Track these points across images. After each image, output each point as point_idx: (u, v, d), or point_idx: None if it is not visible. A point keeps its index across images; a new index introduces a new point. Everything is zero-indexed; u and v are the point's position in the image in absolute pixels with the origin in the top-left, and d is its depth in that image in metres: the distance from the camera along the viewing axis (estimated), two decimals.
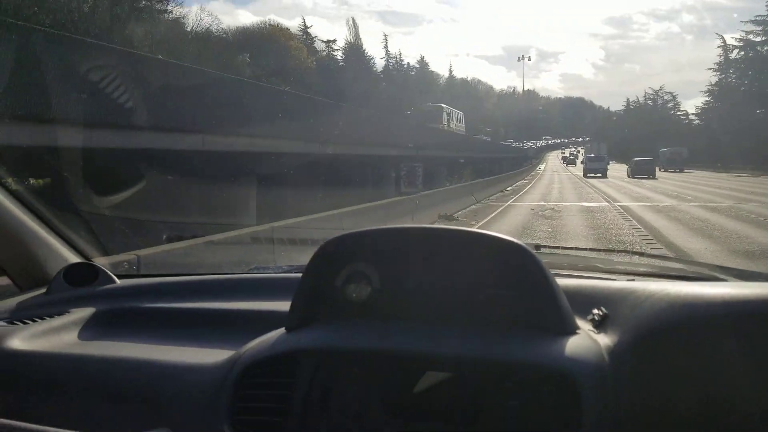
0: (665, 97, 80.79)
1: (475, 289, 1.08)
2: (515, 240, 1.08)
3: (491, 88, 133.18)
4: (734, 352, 0.88)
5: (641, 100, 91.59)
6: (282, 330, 1.14)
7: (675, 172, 49.64)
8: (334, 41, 58.63)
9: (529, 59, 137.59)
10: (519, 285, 1.05)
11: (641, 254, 2.25)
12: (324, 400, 1.02)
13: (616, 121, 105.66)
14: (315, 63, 50.04)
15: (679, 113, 74.47)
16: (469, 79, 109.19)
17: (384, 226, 1.17)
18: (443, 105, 42.92)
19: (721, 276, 1.38)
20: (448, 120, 41.08)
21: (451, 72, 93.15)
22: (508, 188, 29.41)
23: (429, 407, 0.98)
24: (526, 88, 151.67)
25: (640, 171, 40.92)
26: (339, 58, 57.35)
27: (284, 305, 1.19)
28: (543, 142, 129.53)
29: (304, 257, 1.20)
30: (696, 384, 0.89)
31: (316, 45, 54.19)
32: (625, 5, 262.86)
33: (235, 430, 1.03)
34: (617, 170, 53.40)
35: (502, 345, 1.00)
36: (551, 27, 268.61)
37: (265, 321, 1.22)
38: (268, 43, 43.61)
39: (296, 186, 12.61)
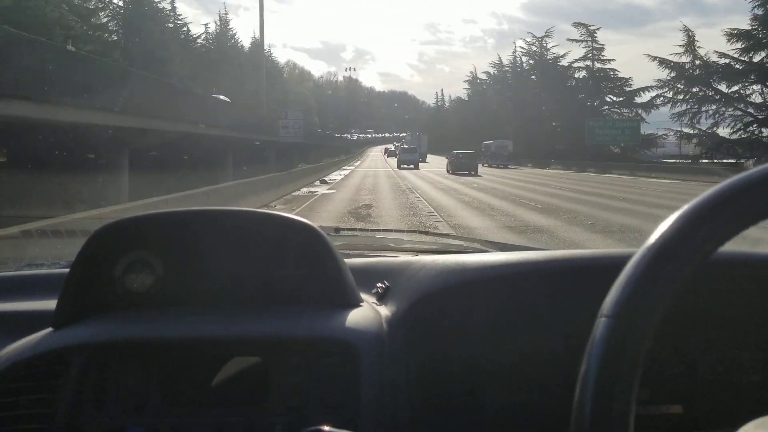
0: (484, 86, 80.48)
1: (264, 270, 1.10)
2: (303, 219, 1.10)
3: (309, 73, 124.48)
4: (488, 311, 0.98)
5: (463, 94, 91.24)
6: (49, 329, 1.03)
7: (499, 167, 46.06)
8: None
9: (351, 51, 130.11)
10: (307, 263, 1.08)
11: (427, 233, 2.95)
12: (99, 399, 0.96)
13: (439, 115, 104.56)
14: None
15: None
16: (281, 63, 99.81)
17: (165, 210, 1.13)
18: None
19: (487, 249, 1.65)
20: None
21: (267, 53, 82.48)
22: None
23: (214, 394, 0.96)
24: (347, 77, 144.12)
25: (461, 166, 35.99)
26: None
27: (47, 305, 1.10)
28: (368, 135, 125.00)
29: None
30: (461, 344, 0.96)
31: None
32: (437, 13, 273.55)
33: None
34: (438, 165, 49.93)
35: (287, 322, 1.01)
36: (370, 28, 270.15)
37: (34, 322, 1.08)
38: None
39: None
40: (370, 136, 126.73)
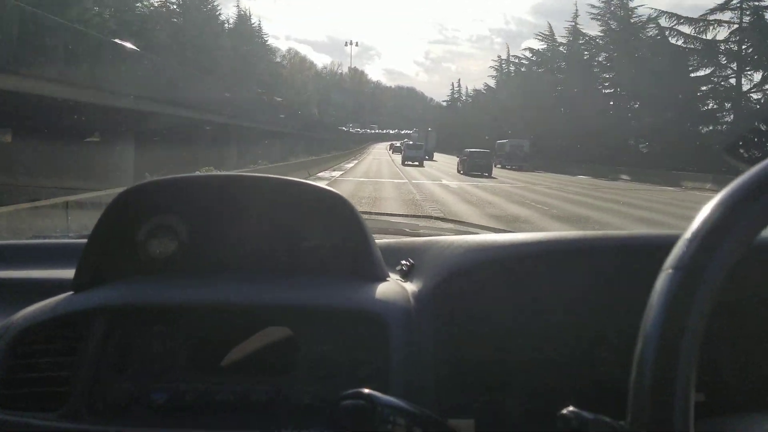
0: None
1: (292, 238, 1.08)
2: (334, 190, 1.08)
3: (311, 62, 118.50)
4: (518, 289, 0.97)
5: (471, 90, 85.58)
6: (69, 293, 1.01)
7: (514, 169, 40.81)
8: None
9: (356, 45, 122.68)
10: (336, 234, 1.07)
11: (443, 219, 3.33)
12: (122, 363, 0.94)
13: (449, 112, 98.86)
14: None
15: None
16: (284, 50, 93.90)
17: (192, 173, 1.10)
18: None
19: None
20: None
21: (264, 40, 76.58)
22: None
23: (241, 361, 0.94)
24: (353, 68, 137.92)
25: (475, 167, 31.40)
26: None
27: (72, 273, 1.05)
28: (371, 131, 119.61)
29: None
30: (489, 320, 0.95)
31: None
32: (445, 11, 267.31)
33: (7, 406, 0.89)
34: (448, 164, 45.20)
35: (315, 291, 1.00)
36: (376, 24, 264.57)
37: (49, 289, 1.06)
38: None
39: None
40: (373, 131, 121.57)
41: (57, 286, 1.05)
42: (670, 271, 0.49)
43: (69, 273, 1.06)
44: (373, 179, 24.06)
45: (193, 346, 0.94)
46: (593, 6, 44.78)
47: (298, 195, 1.08)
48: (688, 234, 0.50)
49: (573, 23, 50.31)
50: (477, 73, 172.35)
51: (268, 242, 1.07)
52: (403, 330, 0.91)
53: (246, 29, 49.33)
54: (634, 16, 42.81)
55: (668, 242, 0.52)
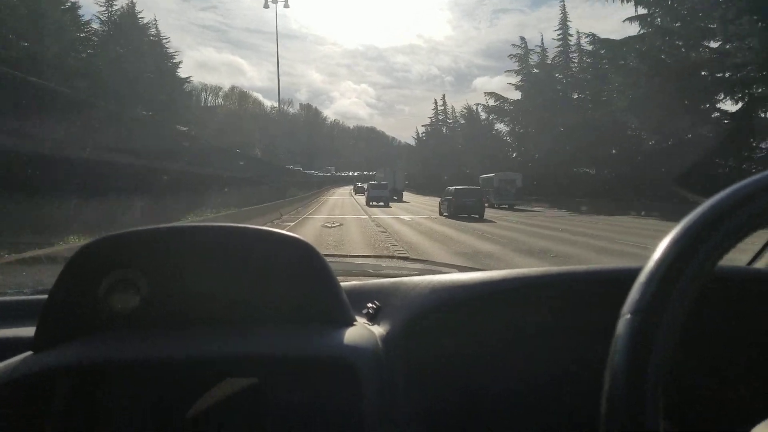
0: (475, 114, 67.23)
1: (256, 287, 1.05)
2: (297, 236, 1.06)
3: (257, 99, 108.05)
4: (485, 327, 0.99)
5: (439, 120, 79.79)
6: (28, 353, 0.98)
7: (503, 208, 34.16)
8: None
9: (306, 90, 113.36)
10: (301, 280, 1.05)
11: (406, 258, 2.86)
12: (88, 425, 0.91)
13: (416, 150, 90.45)
14: None
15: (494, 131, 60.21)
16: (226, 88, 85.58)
17: (151, 226, 1.06)
18: None
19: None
20: None
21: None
22: None
23: (210, 416, 0.92)
24: (304, 105, 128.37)
25: (462, 207, 24.98)
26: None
27: (28, 331, 1.05)
28: (329, 173, 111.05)
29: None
30: (458, 360, 0.97)
31: None
32: (392, 56, 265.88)
33: None
34: (422, 205, 38.96)
35: (282, 340, 0.98)
36: (324, 71, 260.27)
37: (5, 349, 1.03)
38: None
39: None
40: (333, 174, 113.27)
41: (14, 345, 1.01)
42: (628, 316, 0.51)
43: (26, 331, 1.05)
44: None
45: (159, 403, 0.92)
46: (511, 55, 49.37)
47: (261, 242, 1.04)
48: (642, 277, 0.52)
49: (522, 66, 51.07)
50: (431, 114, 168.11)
51: (232, 292, 1.03)
52: (374, 374, 0.91)
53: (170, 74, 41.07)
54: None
55: (629, 276, 0.54)
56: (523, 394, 0.94)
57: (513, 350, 0.96)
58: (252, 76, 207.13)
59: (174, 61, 41.55)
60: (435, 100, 76.09)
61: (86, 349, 0.95)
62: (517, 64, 50.55)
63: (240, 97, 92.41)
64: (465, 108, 65.85)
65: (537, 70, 48.90)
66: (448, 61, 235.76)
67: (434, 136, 79.38)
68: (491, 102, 54.81)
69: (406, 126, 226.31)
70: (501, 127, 54.88)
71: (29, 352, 0.96)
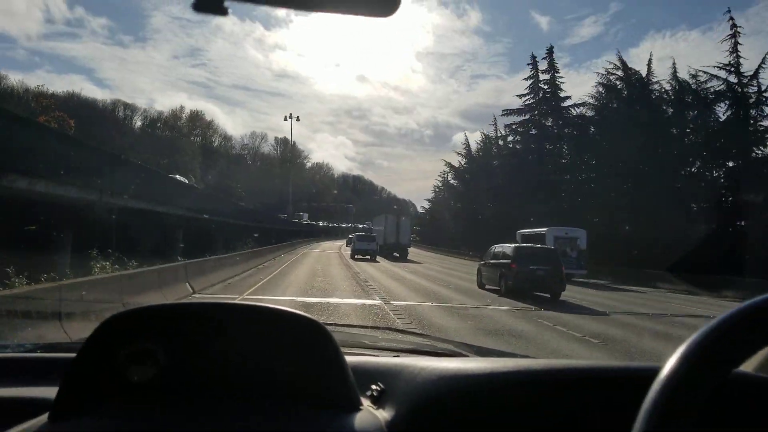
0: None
1: (268, 365, 1.08)
2: (309, 316, 1.08)
3: (227, 133, 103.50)
4: (491, 419, 0.98)
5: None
6: (43, 418, 0.98)
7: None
8: None
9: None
10: (312, 361, 1.07)
11: (402, 331, 3.02)
12: None
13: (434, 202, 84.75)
14: None
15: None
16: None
17: (172, 302, 1.13)
18: None
19: (465, 352, 1.79)
20: None
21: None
22: None
23: None
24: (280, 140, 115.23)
25: (533, 280, 16.82)
26: None
27: (30, 391, 1.11)
28: (315, 223, 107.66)
29: (51, 334, 2.33)
30: None
31: None
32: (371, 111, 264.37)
33: None
34: (437, 268, 33.33)
35: (291, 422, 1.00)
36: (301, 125, 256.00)
37: (12, 410, 1.06)
38: None
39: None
40: (317, 224, 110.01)
41: (20, 406, 1.05)
42: (647, 414, 0.54)
43: (30, 391, 1.10)
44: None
45: None
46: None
47: (274, 321, 1.08)
48: (659, 382, 0.55)
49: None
50: (410, 172, 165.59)
51: (245, 368, 1.08)
52: None
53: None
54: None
55: (645, 375, 0.56)
56: None
57: None
58: (225, 122, 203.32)
59: None
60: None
61: (105, 420, 0.97)
62: None
63: (209, 128, 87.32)
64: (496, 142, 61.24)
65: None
66: (426, 117, 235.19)
67: (449, 188, 75.87)
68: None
69: (389, 182, 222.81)
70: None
71: (44, 418, 0.97)
